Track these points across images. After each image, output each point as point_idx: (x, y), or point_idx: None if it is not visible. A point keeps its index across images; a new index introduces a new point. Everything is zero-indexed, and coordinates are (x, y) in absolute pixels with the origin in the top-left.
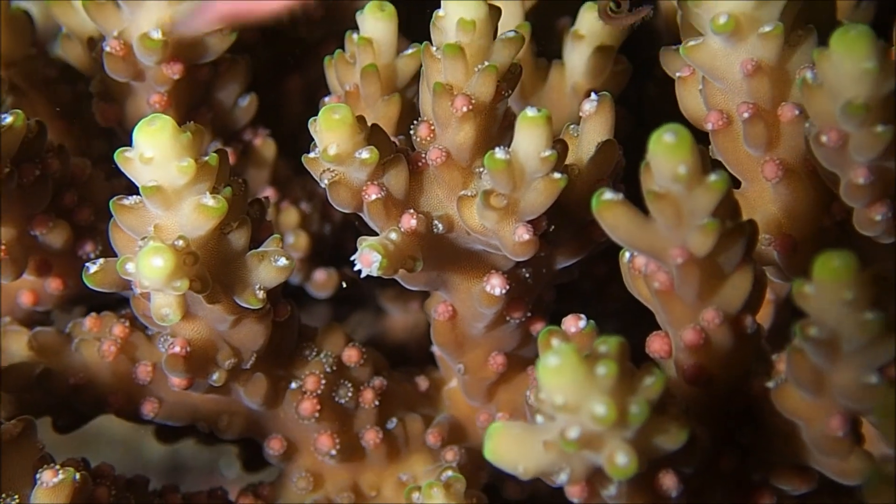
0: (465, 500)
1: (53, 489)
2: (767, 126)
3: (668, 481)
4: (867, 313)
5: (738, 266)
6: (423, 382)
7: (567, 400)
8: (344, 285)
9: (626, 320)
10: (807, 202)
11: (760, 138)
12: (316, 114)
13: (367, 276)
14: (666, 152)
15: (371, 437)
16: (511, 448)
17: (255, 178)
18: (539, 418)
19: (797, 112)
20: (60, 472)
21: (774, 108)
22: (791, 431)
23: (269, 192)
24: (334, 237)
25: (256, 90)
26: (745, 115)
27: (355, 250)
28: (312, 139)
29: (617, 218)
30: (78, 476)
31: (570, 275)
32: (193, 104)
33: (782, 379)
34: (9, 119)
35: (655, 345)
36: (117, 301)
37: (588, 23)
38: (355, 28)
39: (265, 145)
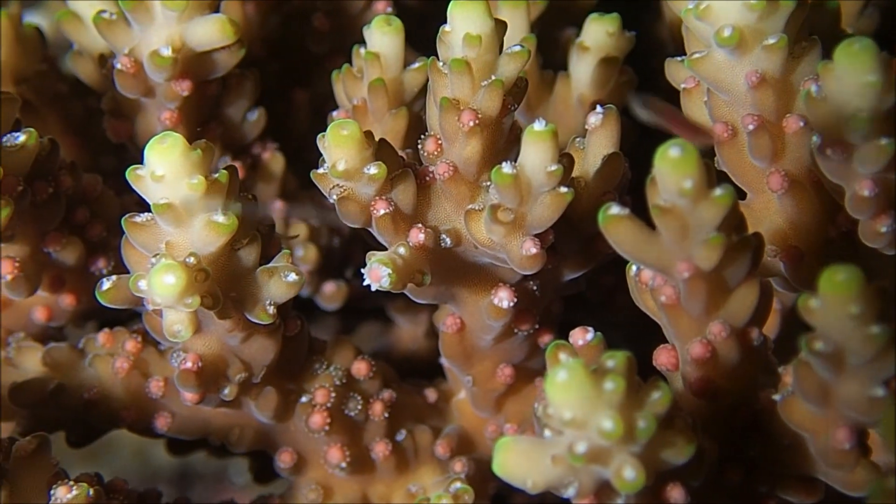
0: None
1: None
2: (772, 138)
3: (676, 494)
4: (873, 327)
5: (745, 279)
6: (431, 394)
7: (575, 415)
8: None
9: (633, 331)
10: (812, 213)
11: (765, 150)
12: (323, 127)
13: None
14: (671, 167)
15: (380, 449)
16: (519, 462)
17: (264, 192)
18: (547, 432)
19: (802, 124)
20: (74, 487)
21: (779, 120)
22: (797, 443)
23: (278, 206)
24: (343, 249)
25: (263, 103)
26: (751, 126)
27: (363, 263)
28: (320, 154)
29: (623, 232)
30: (92, 491)
31: (578, 286)
32: (203, 119)
33: (789, 391)
34: (22, 138)
35: (662, 358)
36: (129, 315)
37: (593, 34)
38: (362, 42)
39: (274, 159)
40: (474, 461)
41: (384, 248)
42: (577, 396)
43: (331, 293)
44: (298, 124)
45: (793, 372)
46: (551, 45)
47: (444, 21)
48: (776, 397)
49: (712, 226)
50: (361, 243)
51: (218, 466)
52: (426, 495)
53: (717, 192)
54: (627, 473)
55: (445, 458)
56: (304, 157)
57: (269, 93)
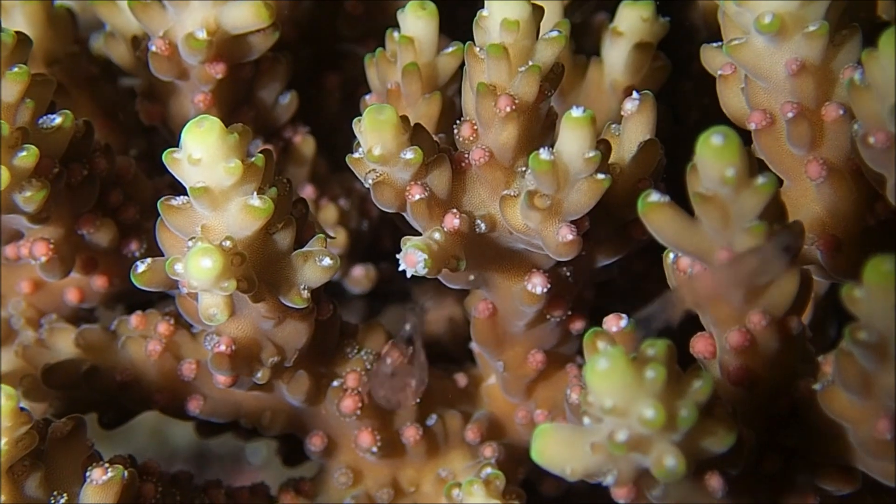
0: (505, 497)
1: (103, 487)
2: (811, 125)
3: (714, 482)
4: None
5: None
6: (461, 379)
7: (616, 403)
8: None
9: None
10: (850, 201)
11: (804, 138)
12: (353, 111)
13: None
14: (714, 155)
15: (411, 433)
16: (558, 450)
17: (295, 176)
18: (586, 420)
19: (841, 112)
20: (109, 469)
21: (818, 108)
22: (836, 433)
23: (308, 190)
24: (371, 233)
25: (295, 87)
26: (790, 114)
27: (393, 246)
28: (352, 137)
29: (663, 220)
30: (126, 473)
31: (610, 273)
32: (236, 103)
33: (829, 381)
34: (58, 120)
35: (700, 345)
36: (158, 298)
37: (627, 20)
38: (394, 26)
39: (305, 143)
40: (504, 446)
41: (418, 234)
42: (618, 384)
43: (359, 277)
44: (328, 108)
45: (834, 361)
46: (582, 31)
47: (476, 7)
48: (816, 386)
49: (754, 214)
50: (390, 227)
51: (234, 447)
52: (456, 480)
53: (760, 180)
54: (668, 462)
55: (475, 443)
56: (334, 141)
57: (299, 76)
